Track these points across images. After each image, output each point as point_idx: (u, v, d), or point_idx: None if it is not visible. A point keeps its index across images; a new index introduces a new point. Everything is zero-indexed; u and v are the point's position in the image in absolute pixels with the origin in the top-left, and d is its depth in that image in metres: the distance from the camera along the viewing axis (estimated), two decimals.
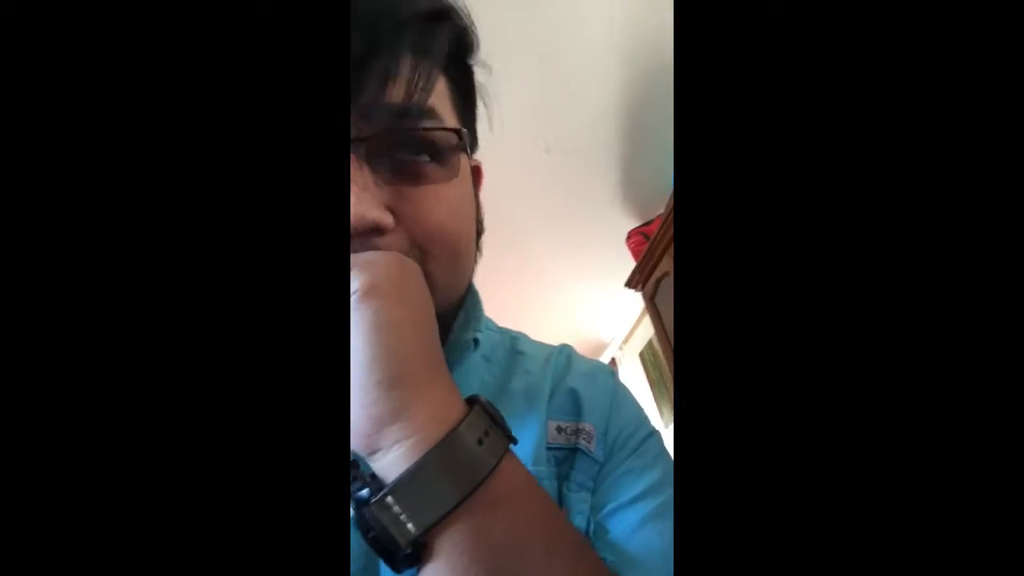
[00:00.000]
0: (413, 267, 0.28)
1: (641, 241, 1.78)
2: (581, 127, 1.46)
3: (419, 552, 0.23)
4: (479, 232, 0.40)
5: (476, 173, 0.41)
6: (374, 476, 0.24)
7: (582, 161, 1.56)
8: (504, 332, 0.47)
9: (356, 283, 0.25)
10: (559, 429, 0.38)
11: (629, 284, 1.75)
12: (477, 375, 0.27)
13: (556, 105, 1.37)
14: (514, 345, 0.45)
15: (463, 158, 0.34)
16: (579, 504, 0.36)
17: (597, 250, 1.94)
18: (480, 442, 0.24)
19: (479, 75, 0.40)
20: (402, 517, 0.22)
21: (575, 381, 0.42)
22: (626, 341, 2.55)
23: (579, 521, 0.35)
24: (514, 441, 0.26)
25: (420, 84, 0.30)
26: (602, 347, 2.74)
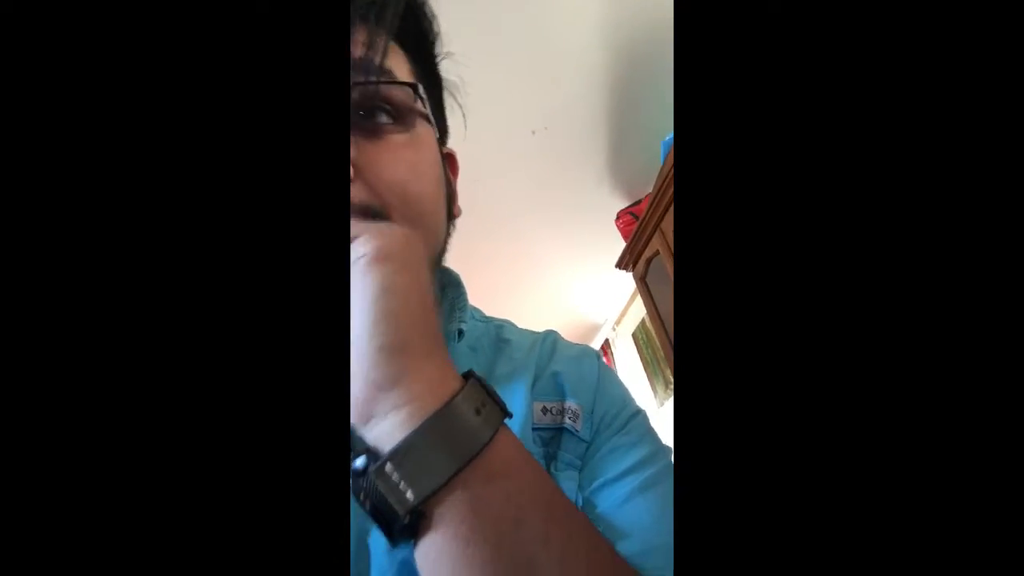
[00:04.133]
0: (417, 239, 0.28)
1: (630, 221, 1.78)
2: (568, 108, 1.45)
3: (416, 523, 0.23)
4: (453, 214, 0.40)
5: (450, 159, 0.42)
6: (368, 448, 0.24)
7: (569, 143, 1.55)
8: (489, 321, 0.47)
9: (364, 248, 0.25)
10: (544, 410, 0.39)
11: (620, 265, 1.76)
12: (463, 366, 0.28)
13: (542, 87, 1.36)
14: (499, 334, 0.45)
15: (423, 125, 0.36)
16: (567, 482, 0.37)
17: (587, 232, 1.94)
18: (477, 412, 0.24)
19: (448, 69, 0.40)
20: (401, 485, 0.22)
21: (560, 364, 0.42)
22: (619, 322, 2.56)
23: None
24: (509, 415, 0.26)
25: (373, 45, 0.31)
26: (595, 328, 2.75)
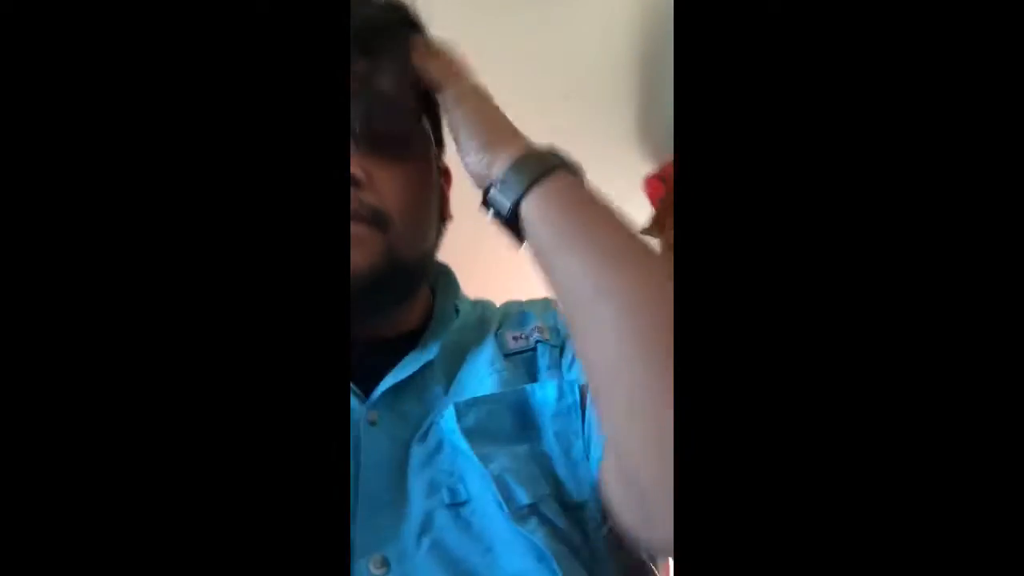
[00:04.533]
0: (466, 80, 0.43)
1: (658, 186, 1.77)
2: (595, 76, 1.44)
3: (516, 218, 0.36)
4: (443, 216, 0.50)
5: (445, 174, 0.52)
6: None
7: (597, 109, 1.54)
8: (476, 304, 0.54)
9: (459, 78, 0.42)
10: (515, 338, 0.46)
11: (646, 231, 1.76)
12: (455, 343, 0.42)
13: (574, 52, 1.36)
14: (481, 308, 0.53)
15: (424, 141, 0.47)
16: (550, 382, 0.42)
17: (615, 196, 1.93)
18: (542, 157, 0.37)
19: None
20: (501, 198, 0.36)
21: (526, 307, 0.50)
22: None
23: (551, 391, 0.40)
24: (574, 166, 0.39)
25: (384, 72, 0.41)
26: None
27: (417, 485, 0.36)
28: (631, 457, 0.29)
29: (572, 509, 0.35)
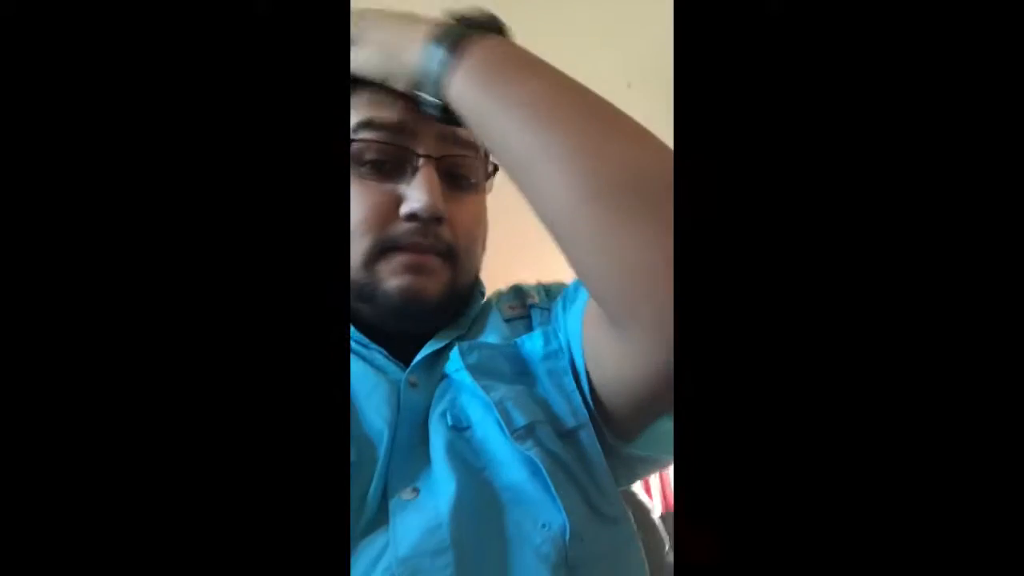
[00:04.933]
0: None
1: None
2: (663, 61, 1.39)
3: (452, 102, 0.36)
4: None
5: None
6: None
7: (663, 96, 1.49)
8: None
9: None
10: (511, 307, 0.49)
11: None
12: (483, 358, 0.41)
13: (636, 42, 1.32)
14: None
15: (488, 179, 0.48)
16: (538, 337, 0.44)
17: None
18: (458, 29, 0.37)
19: None
20: (423, 96, 0.37)
21: (517, 285, 0.53)
22: None
23: (538, 339, 0.43)
24: (496, 27, 0.39)
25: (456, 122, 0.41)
26: None
27: (433, 421, 0.39)
28: (605, 291, 0.32)
29: (566, 435, 0.38)
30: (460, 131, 0.43)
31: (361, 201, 0.41)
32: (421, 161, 0.42)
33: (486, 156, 0.46)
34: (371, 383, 0.40)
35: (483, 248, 0.50)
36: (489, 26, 0.38)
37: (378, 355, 0.43)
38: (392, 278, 0.41)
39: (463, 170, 0.45)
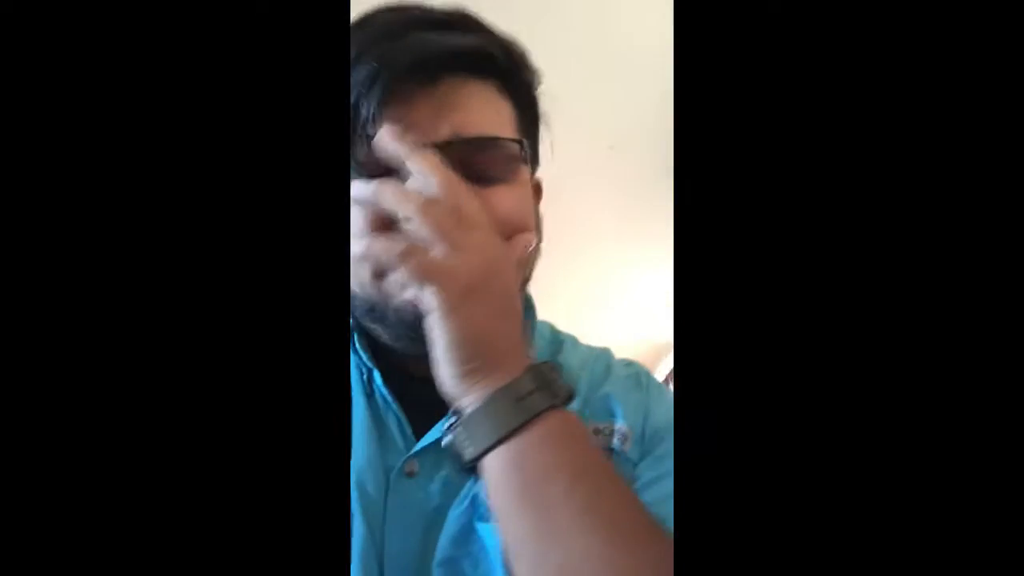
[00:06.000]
0: (487, 269, 0.32)
1: None
2: (644, 123, 1.43)
3: (475, 469, 0.31)
4: (538, 239, 0.43)
5: (537, 189, 0.46)
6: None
7: (647, 157, 1.53)
8: (555, 339, 0.50)
9: (434, 302, 0.31)
10: (596, 431, 0.41)
11: None
12: None
13: (619, 102, 1.36)
14: (559, 350, 0.48)
15: (522, 168, 0.40)
16: None
17: (664, 249, 1.90)
18: (522, 399, 0.31)
19: (544, 102, 0.45)
20: (466, 442, 0.31)
21: (612, 386, 0.45)
22: None
23: None
24: (563, 400, 0.32)
25: (486, 113, 0.38)
26: (666, 349, 2.68)
27: (451, 523, 0.36)
28: None
29: None
30: (471, 120, 0.37)
31: (358, 204, 0.33)
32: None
33: (517, 143, 0.40)
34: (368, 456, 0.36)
35: (532, 252, 0.41)
36: (562, 392, 0.33)
37: (392, 415, 0.39)
38: (402, 290, 0.33)
39: (480, 161, 0.37)
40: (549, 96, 0.45)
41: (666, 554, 0.28)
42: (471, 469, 0.32)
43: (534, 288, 0.45)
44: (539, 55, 0.43)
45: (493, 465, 0.30)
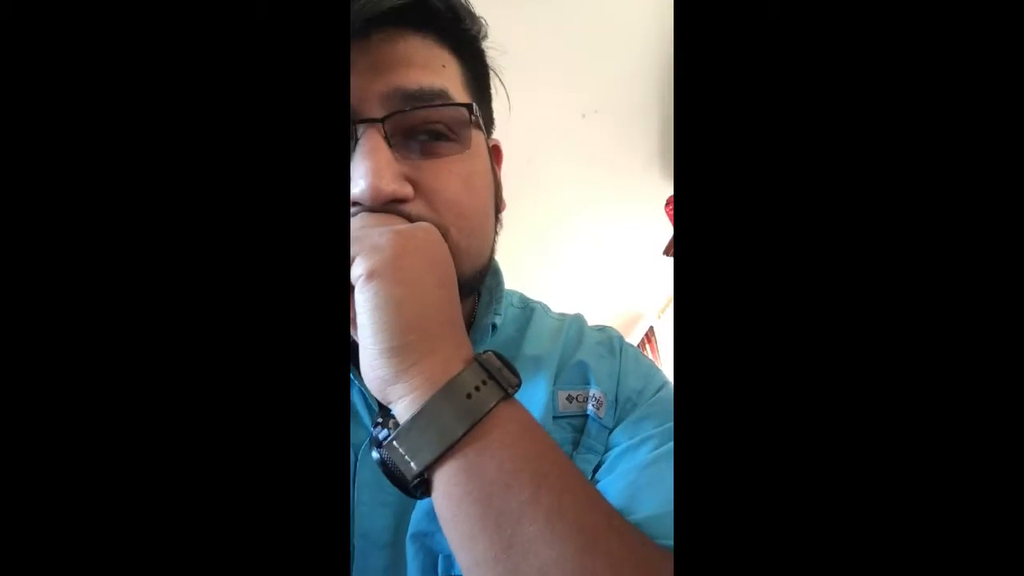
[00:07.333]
0: (418, 244, 0.30)
1: None
2: (617, 92, 1.42)
3: (423, 485, 0.27)
4: (499, 208, 0.41)
5: (495, 152, 0.43)
6: (396, 423, 0.28)
7: (619, 126, 1.52)
8: (525, 306, 0.48)
9: (360, 268, 0.28)
10: (569, 398, 0.40)
11: (667, 252, 1.73)
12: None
13: (592, 70, 1.34)
14: (530, 318, 0.47)
15: (477, 135, 0.37)
16: (583, 465, 0.38)
17: (635, 217, 1.91)
18: (469, 396, 0.27)
19: (493, 58, 0.41)
20: (406, 457, 0.27)
21: (585, 353, 0.43)
22: (663, 310, 2.52)
23: None
24: (511, 390, 0.29)
25: (430, 67, 0.34)
26: (638, 317, 2.72)
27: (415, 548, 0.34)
28: None
29: None
30: (412, 74, 0.33)
31: None
32: (361, 129, 0.32)
33: (466, 104, 0.36)
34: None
35: (493, 219, 0.39)
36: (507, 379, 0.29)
37: (356, 390, 0.38)
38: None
39: (432, 126, 0.34)
40: (500, 50, 0.41)
41: (637, 547, 0.27)
42: (419, 487, 0.27)
43: (503, 256, 0.44)
44: (514, 24, 0.41)
45: (442, 479, 0.26)
